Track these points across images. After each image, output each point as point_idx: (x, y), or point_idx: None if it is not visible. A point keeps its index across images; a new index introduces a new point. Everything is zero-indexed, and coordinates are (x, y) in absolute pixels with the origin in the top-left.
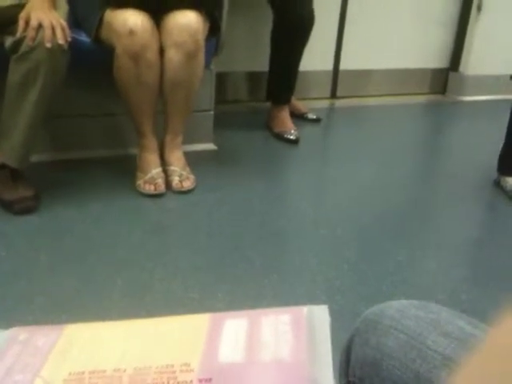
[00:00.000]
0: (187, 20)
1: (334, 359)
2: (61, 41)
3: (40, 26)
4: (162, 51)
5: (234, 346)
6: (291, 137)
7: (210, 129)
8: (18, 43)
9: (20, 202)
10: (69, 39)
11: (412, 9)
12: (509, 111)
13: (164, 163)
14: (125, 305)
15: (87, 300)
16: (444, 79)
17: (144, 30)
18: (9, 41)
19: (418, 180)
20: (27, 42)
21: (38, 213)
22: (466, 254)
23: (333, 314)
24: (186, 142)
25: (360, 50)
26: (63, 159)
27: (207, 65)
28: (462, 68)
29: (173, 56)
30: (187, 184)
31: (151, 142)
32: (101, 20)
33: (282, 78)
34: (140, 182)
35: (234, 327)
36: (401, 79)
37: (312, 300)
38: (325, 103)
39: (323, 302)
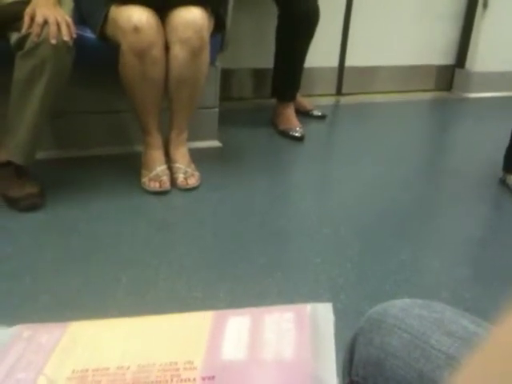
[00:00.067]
0: (192, 16)
1: (337, 358)
2: (66, 37)
3: (45, 23)
4: (167, 48)
5: (237, 343)
6: (296, 134)
7: (214, 126)
8: (23, 39)
9: (26, 198)
10: (74, 36)
11: (418, 5)
12: None
13: (169, 160)
14: (129, 303)
15: (91, 298)
16: (450, 76)
17: (149, 26)
18: (14, 37)
19: (422, 178)
20: (32, 39)
21: (44, 210)
22: (469, 253)
23: (336, 312)
24: (190, 139)
25: (365, 46)
26: (68, 157)
27: (212, 61)
28: (468, 65)
29: (178, 53)
30: (192, 181)
31: (156, 139)
32: (106, 16)
33: (287, 74)
34: (145, 180)
35: (237, 325)
36: (406, 76)
37: (315, 299)
38: (330, 100)
39: (326, 301)
